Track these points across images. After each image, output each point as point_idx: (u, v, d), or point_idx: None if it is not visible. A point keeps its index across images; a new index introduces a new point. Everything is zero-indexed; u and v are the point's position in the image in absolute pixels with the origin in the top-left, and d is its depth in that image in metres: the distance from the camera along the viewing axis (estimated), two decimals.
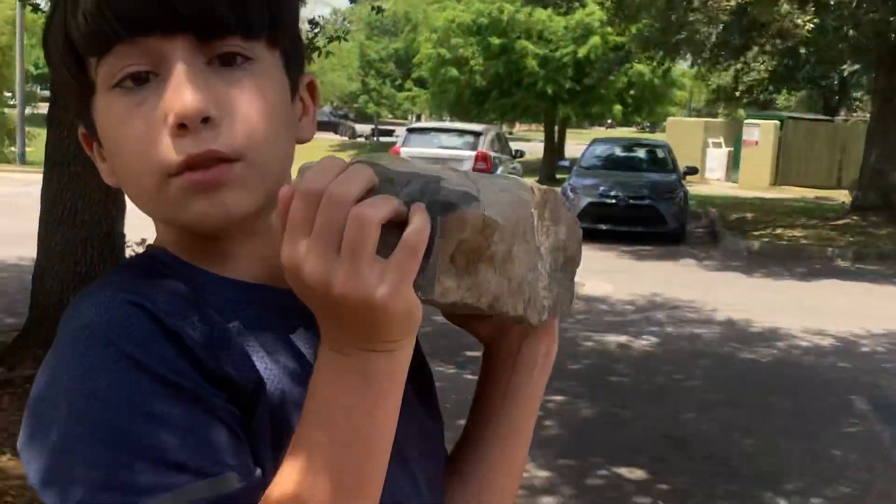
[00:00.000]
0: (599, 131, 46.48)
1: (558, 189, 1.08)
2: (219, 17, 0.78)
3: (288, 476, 0.72)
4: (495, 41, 26.59)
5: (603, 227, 13.93)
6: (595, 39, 25.61)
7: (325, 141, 42.75)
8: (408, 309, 0.68)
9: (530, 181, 0.82)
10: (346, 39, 11.67)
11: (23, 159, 25.21)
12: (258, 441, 0.76)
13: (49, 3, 5.68)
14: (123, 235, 6.00)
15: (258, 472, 0.74)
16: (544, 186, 0.82)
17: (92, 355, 0.72)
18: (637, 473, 4.93)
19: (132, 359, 0.71)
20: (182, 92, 0.75)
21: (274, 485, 0.72)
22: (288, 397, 0.79)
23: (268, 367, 0.79)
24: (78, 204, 5.68)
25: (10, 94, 33.41)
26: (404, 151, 15.58)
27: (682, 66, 28.64)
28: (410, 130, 17.39)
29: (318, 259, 0.67)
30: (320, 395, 0.72)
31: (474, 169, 14.94)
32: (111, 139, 0.81)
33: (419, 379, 0.93)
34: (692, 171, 16.57)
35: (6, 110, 32.21)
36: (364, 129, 47.70)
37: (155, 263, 0.84)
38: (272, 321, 0.83)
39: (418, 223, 0.68)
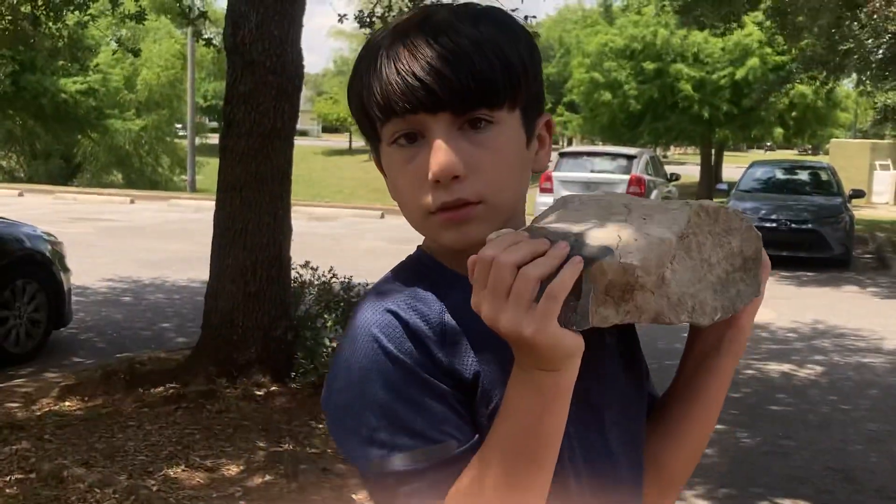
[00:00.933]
0: (758, 154, 45.17)
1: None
2: (469, 100, 1.03)
3: (483, 453, 0.99)
4: (649, 65, 26.28)
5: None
6: (753, 61, 24.98)
7: None
8: (554, 342, 0.91)
9: (698, 203, 1.00)
10: None
11: (193, 187, 26.41)
12: (478, 414, 1.04)
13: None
14: (289, 258, 6.25)
15: (475, 438, 1.02)
16: (714, 204, 1.00)
17: (363, 349, 1.03)
18: None
19: (389, 354, 1.02)
20: (438, 158, 1.02)
21: (475, 457, 0.99)
22: (497, 383, 1.04)
23: (485, 359, 1.05)
24: (248, 227, 5.95)
25: (180, 126, 35.18)
26: (557, 176, 15.55)
27: (847, 88, 27.58)
28: (563, 155, 17.32)
29: (489, 306, 0.93)
30: (508, 398, 0.98)
31: (628, 192, 14.77)
32: (391, 181, 1.11)
33: (629, 354, 1.20)
34: (858, 194, 15.88)
35: (177, 140, 33.96)
36: None
37: (418, 265, 1.14)
38: None
39: (562, 277, 0.91)
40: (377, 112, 1.06)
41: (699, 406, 1.19)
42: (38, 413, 5.47)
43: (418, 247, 1.17)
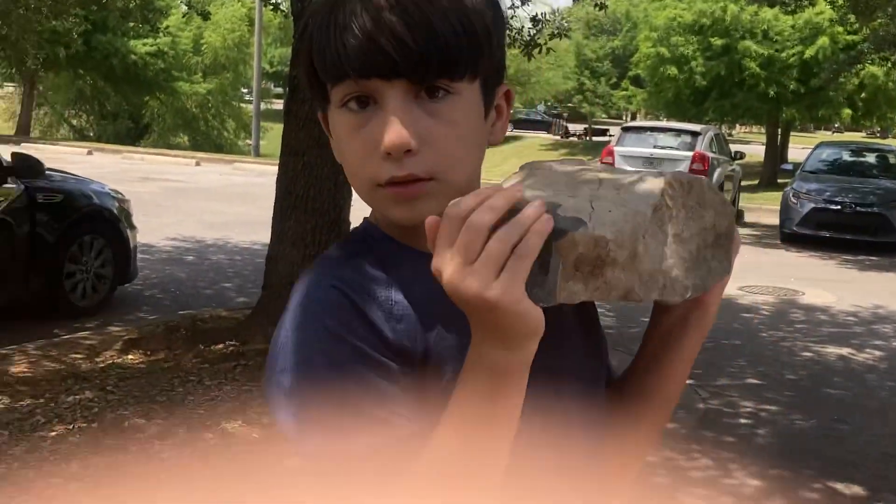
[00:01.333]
0: (825, 135, 44.31)
1: (704, 178, 1.02)
2: (429, 68, 0.96)
3: (436, 435, 0.92)
4: (717, 41, 25.83)
5: (825, 234, 13.32)
6: (823, 39, 24.41)
7: (537, 140, 42.85)
8: (519, 309, 0.83)
9: (672, 173, 0.93)
10: (567, 37, 11.77)
11: (257, 152, 26.67)
12: (427, 391, 0.98)
13: (291, 8, 6.02)
14: (349, 222, 6.31)
15: (424, 417, 0.95)
16: (688, 175, 0.95)
17: (305, 326, 0.97)
18: (854, 489, 4.73)
19: (333, 331, 0.96)
20: (391, 130, 0.95)
21: (429, 439, 0.92)
22: (448, 358, 0.99)
23: (436, 335, 1.00)
24: (310, 192, 6.03)
25: (246, 91, 35.52)
26: (619, 151, 15.42)
27: None
28: (626, 129, 17.14)
29: (454, 269, 0.84)
30: (461, 381, 0.92)
31: (691, 170, 14.60)
32: (339, 146, 1.04)
33: (588, 324, 1.16)
34: None
35: (242, 105, 34.31)
36: (577, 128, 47.54)
37: (366, 238, 1.08)
38: None
39: (530, 238, 0.83)
40: (327, 73, 0.99)
41: (662, 383, 1.15)
42: (102, 365, 5.62)
43: (365, 218, 1.12)
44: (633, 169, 0.97)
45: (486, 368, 0.88)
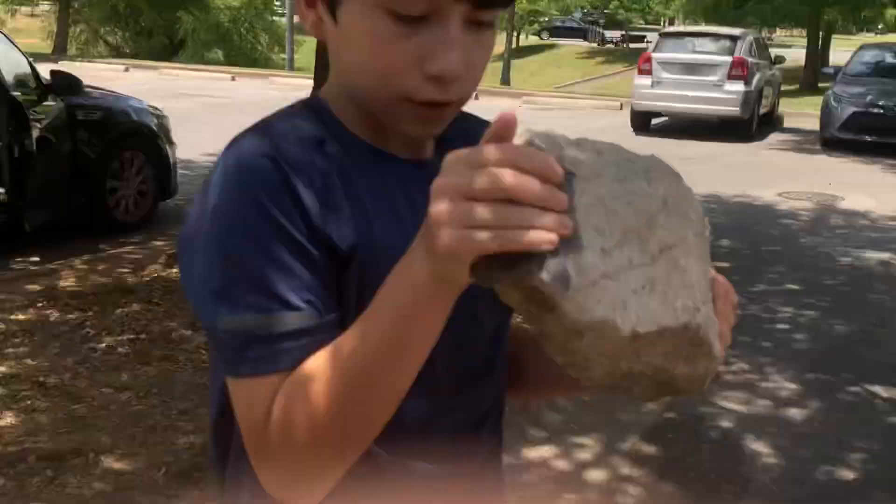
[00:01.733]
0: (867, 37, 43.18)
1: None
2: None
3: (341, 339, 0.86)
4: None
5: (868, 138, 13.12)
6: None
7: (573, 48, 42.17)
8: (447, 264, 0.75)
9: (706, 314, 0.85)
10: None
11: (292, 66, 26.54)
12: (346, 291, 0.93)
13: None
14: None
15: (335, 315, 0.90)
16: (707, 337, 0.85)
17: (231, 191, 0.90)
18: (893, 392, 4.75)
19: (259, 203, 0.89)
20: (451, 54, 0.90)
21: (333, 342, 0.87)
22: (377, 262, 0.89)
23: (368, 234, 0.94)
24: None
25: (279, 3, 35.17)
26: (657, 57, 15.15)
27: None
28: (664, 35, 16.79)
29: (451, 185, 0.73)
30: (388, 281, 0.84)
31: (730, 76, 14.35)
32: (358, 44, 0.93)
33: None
34: None
35: (275, 18, 34.01)
36: (614, 35, 46.71)
37: (316, 116, 1.00)
38: (393, 190, 0.97)
39: (519, 235, 0.72)
40: None
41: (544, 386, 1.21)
42: (147, 278, 5.74)
43: (318, 96, 1.04)
44: (704, 266, 0.87)
45: (411, 279, 0.81)
